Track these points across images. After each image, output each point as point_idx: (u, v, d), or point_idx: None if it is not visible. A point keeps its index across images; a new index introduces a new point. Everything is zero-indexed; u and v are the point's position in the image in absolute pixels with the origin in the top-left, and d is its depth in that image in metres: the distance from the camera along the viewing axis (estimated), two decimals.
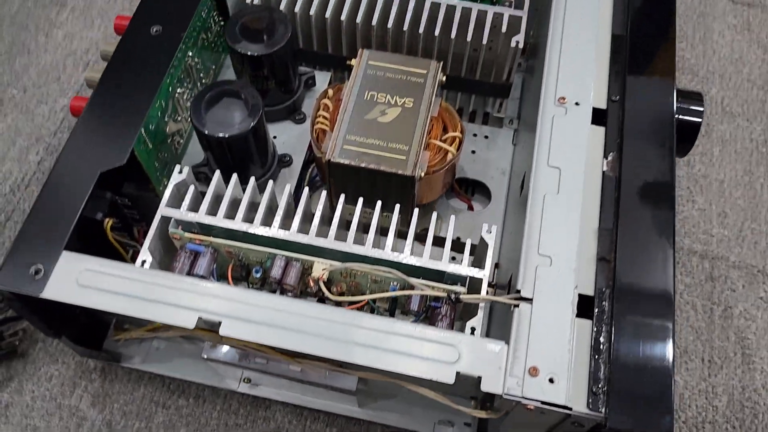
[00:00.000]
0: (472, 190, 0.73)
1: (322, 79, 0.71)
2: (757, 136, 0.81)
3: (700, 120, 0.61)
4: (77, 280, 0.49)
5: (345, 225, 0.57)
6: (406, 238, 0.53)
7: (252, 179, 0.56)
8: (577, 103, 0.57)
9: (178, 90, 0.62)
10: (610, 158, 0.55)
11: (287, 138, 0.67)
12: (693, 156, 0.79)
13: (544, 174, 0.54)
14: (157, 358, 0.63)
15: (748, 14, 0.91)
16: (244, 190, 0.56)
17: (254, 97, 0.58)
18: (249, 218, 0.54)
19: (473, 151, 0.73)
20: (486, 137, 0.74)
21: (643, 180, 0.53)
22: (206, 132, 0.56)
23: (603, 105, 0.58)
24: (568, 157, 0.54)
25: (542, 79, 0.58)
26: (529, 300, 0.48)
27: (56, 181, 0.53)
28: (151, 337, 0.63)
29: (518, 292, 0.49)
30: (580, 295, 0.49)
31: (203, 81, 0.68)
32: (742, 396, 0.65)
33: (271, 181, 0.56)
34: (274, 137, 0.67)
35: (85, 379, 0.65)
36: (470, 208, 0.70)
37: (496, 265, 0.66)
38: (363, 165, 0.57)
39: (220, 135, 0.56)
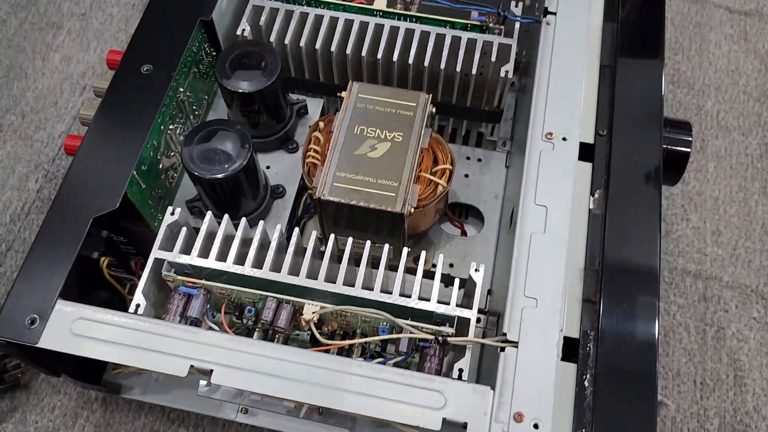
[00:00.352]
0: (466, 212, 0.74)
1: (315, 106, 0.71)
2: (753, 150, 0.81)
3: (688, 150, 0.61)
4: (71, 329, 0.50)
5: (337, 258, 0.57)
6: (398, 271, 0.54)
7: (243, 220, 0.57)
8: (564, 138, 0.57)
9: (171, 126, 0.63)
10: (596, 195, 0.55)
11: (280, 168, 0.68)
12: (688, 173, 0.79)
13: (531, 213, 0.54)
14: (156, 390, 0.65)
15: (745, 23, 0.90)
16: (237, 226, 0.57)
17: (244, 137, 0.58)
18: (241, 258, 0.55)
19: (466, 175, 0.73)
20: (479, 160, 0.74)
21: (629, 219, 0.53)
22: (196, 174, 0.57)
23: (590, 139, 0.58)
24: (554, 195, 0.55)
25: (530, 114, 0.58)
26: (515, 344, 0.49)
27: (50, 226, 0.54)
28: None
29: (504, 334, 0.50)
30: (565, 338, 0.49)
31: (196, 113, 0.68)
32: (734, 419, 0.66)
33: (261, 222, 0.57)
34: (267, 167, 0.68)
35: (86, 409, 0.67)
36: (463, 233, 0.70)
37: (489, 292, 0.66)
38: (353, 202, 0.58)
39: (209, 177, 0.57)
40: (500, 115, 0.70)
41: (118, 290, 0.62)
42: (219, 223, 0.57)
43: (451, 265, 0.68)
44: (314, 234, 0.56)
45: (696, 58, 0.87)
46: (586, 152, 0.57)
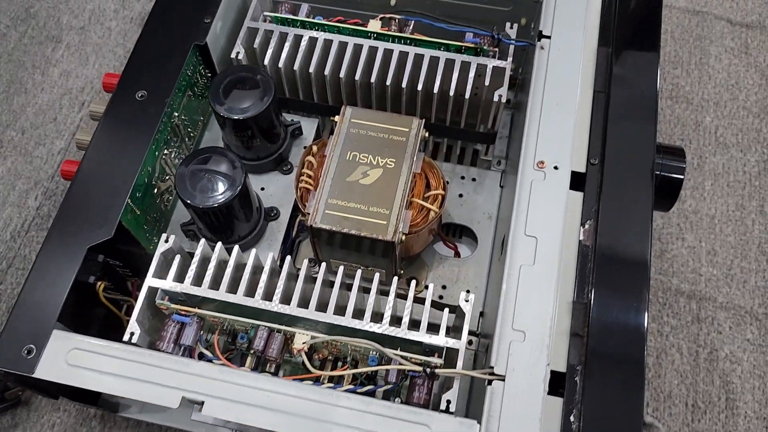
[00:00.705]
0: (460, 232, 0.74)
1: (310, 126, 0.71)
2: (751, 167, 0.80)
3: (681, 177, 0.61)
4: (66, 359, 0.51)
5: (329, 284, 0.58)
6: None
7: (236, 248, 0.58)
8: (555, 167, 0.57)
9: (165, 151, 0.63)
10: (587, 226, 0.55)
11: (275, 190, 0.68)
12: (684, 190, 0.79)
13: (520, 244, 0.54)
14: (154, 408, 0.66)
15: (747, 36, 0.89)
16: (231, 250, 0.58)
17: (237, 165, 0.59)
18: (234, 286, 0.56)
19: (461, 195, 0.73)
20: (474, 180, 0.74)
21: (618, 251, 0.53)
22: (189, 202, 0.57)
23: (582, 168, 0.58)
24: (545, 226, 0.55)
25: (522, 143, 0.58)
26: (502, 377, 0.49)
27: (47, 255, 0.55)
28: None
29: (492, 368, 0.50)
30: (552, 372, 0.50)
31: (192, 135, 0.69)
32: None
33: (253, 250, 0.58)
34: (262, 189, 0.68)
35: (85, 426, 0.68)
36: (457, 254, 0.71)
37: (482, 314, 0.67)
38: (345, 230, 0.59)
39: (202, 206, 0.57)
40: (494, 137, 0.70)
41: (115, 313, 0.63)
42: (213, 248, 0.58)
43: (444, 287, 0.68)
44: (305, 263, 0.57)
45: (695, 72, 0.87)
46: (577, 181, 0.57)
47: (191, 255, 0.58)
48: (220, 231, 0.62)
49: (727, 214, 0.77)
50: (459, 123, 0.69)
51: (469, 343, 0.65)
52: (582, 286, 0.53)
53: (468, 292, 0.56)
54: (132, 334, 0.54)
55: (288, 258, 0.57)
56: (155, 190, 0.62)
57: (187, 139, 0.68)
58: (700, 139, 0.82)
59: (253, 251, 0.58)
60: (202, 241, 0.58)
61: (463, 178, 0.74)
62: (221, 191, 0.58)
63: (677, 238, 0.76)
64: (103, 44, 0.90)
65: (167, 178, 0.65)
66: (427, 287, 0.68)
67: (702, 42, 0.89)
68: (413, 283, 0.56)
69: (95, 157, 0.59)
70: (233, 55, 0.66)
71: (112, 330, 0.63)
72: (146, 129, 0.60)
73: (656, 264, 0.72)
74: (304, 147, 0.70)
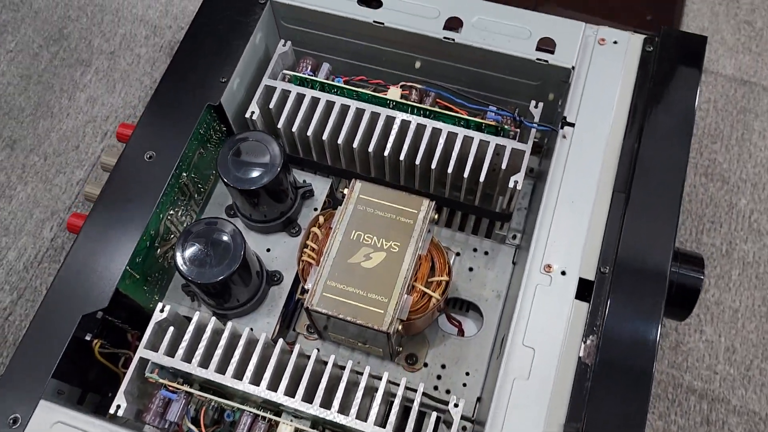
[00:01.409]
0: (468, 305, 0.72)
1: (323, 185, 0.70)
2: None
3: (698, 288, 0.58)
4: None
5: (323, 362, 0.57)
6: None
7: (229, 324, 0.57)
8: (563, 272, 0.55)
9: (171, 211, 0.63)
10: (588, 342, 0.53)
11: (280, 252, 0.67)
12: (709, 278, 0.75)
13: (517, 354, 0.52)
14: None
15: None
16: (227, 321, 0.57)
17: (237, 240, 0.58)
18: (224, 363, 0.56)
19: (471, 269, 0.71)
20: (486, 253, 0.72)
21: (617, 376, 0.51)
22: (187, 277, 0.57)
23: (591, 275, 0.55)
24: (544, 337, 0.53)
25: (531, 243, 0.56)
26: None
27: (41, 320, 0.55)
28: None
29: None
30: None
31: (202, 190, 0.68)
32: None
33: (247, 329, 0.57)
34: (267, 250, 0.68)
35: None
36: (461, 332, 0.69)
37: (479, 399, 0.65)
38: (340, 316, 0.57)
39: (199, 282, 0.57)
40: (509, 217, 0.67)
41: (111, 369, 0.63)
42: (210, 314, 0.57)
43: (443, 366, 0.67)
44: (297, 348, 0.56)
45: (735, 148, 0.82)
46: (584, 290, 0.55)
47: (189, 319, 0.58)
48: (219, 297, 0.61)
49: (752, 309, 0.74)
50: (473, 201, 0.67)
51: (464, 429, 0.64)
52: (575, 407, 0.51)
53: (461, 390, 0.54)
54: (118, 406, 0.55)
55: (281, 341, 0.57)
56: (157, 251, 0.62)
57: (196, 195, 0.67)
58: (732, 223, 0.78)
59: (246, 330, 0.57)
60: (197, 314, 0.57)
61: (475, 250, 0.72)
62: (219, 267, 0.57)
63: (695, 330, 0.73)
64: (131, 71, 0.90)
65: (171, 236, 0.64)
66: (426, 365, 0.67)
67: (746, 116, 0.84)
68: (403, 380, 0.55)
69: (99, 218, 0.59)
70: (248, 115, 0.65)
71: (111, 383, 0.64)
72: (152, 192, 0.60)
73: (669, 356, 0.69)
74: (315, 209, 0.69)
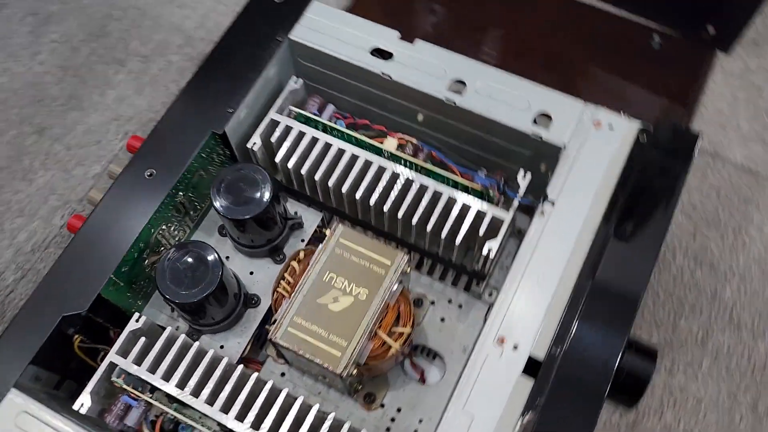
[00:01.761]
0: (435, 354, 0.74)
1: (314, 218, 0.73)
2: (759, 357, 0.76)
3: (647, 381, 0.59)
4: (15, 422, 0.55)
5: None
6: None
7: (197, 343, 0.60)
8: (515, 347, 0.57)
9: (164, 226, 0.67)
10: (526, 419, 0.55)
11: (262, 277, 0.71)
12: (678, 364, 0.76)
13: (456, 419, 0.55)
14: None
15: None
16: (200, 336, 0.61)
17: (215, 265, 0.61)
18: (186, 378, 0.59)
19: (442, 319, 0.73)
20: (460, 306, 0.74)
21: None
22: (165, 295, 0.61)
23: (542, 354, 0.57)
24: (485, 407, 0.55)
25: (491, 313, 0.58)
26: None
27: (24, 314, 0.59)
28: None
29: None
30: None
31: (198, 207, 0.72)
32: None
33: (211, 350, 0.60)
34: (251, 273, 0.71)
35: None
36: (422, 379, 0.71)
37: None
38: (300, 352, 0.60)
39: (176, 301, 0.60)
40: (484, 276, 0.69)
41: (90, 364, 0.67)
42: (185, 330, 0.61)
43: (399, 410, 0.69)
44: (254, 376, 0.59)
45: (730, 238, 0.83)
46: (532, 368, 0.56)
47: (163, 329, 0.62)
48: (194, 314, 0.65)
49: (717, 402, 0.74)
50: (451, 256, 0.69)
51: None
52: None
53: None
54: (82, 404, 0.59)
55: (240, 367, 0.60)
56: (145, 262, 0.66)
57: (192, 212, 0.71)
58: (713, 312, 0.79)
59: (211, 351, 0.60)
60: (168, 329, 0.61)
61: (450, 301, 0.74)
62: (196, 287, 0.61)
63: (655, 412, 0.74)
64: (160, 77, 0.94)
65: (161, 249, 0.68)
66: (383, 405, 0.69)
67: (747, 206, 0.84)
68: (346, 427, 0.57)
69: (94, 224, 0.63)
70: (249, 145, 0.69)
71: (89, 373, 0.68)
72: (146, 208, 0.63)
73: None
74: (302, 239, 0.72)
